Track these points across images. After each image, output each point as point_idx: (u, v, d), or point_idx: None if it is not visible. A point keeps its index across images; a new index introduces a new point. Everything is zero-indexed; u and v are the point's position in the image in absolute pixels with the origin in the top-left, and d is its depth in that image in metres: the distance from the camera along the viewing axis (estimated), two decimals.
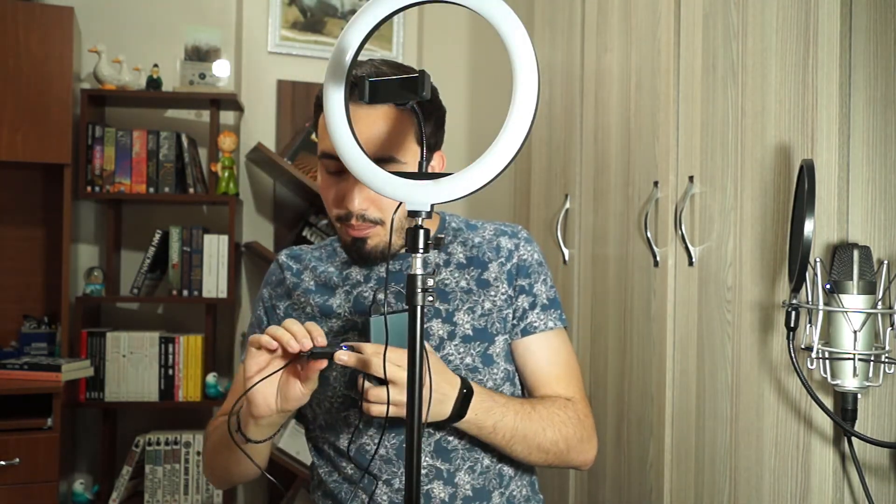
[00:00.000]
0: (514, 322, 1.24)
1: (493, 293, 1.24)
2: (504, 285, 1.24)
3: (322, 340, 1.01)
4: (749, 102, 1.36)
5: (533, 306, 1.25)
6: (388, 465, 1.18)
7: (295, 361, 1.02)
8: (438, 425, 1.15)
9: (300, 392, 1.04)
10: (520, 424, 1.14)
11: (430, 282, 0.85)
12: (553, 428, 1.17)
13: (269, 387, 1.04)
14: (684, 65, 1.60)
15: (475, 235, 1.28)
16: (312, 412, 1.28)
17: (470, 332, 1.21)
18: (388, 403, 1.02)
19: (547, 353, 1.25)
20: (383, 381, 1.01)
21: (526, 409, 1.16)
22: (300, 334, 1.00)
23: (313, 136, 2.89)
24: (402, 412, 1.01)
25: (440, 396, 1.06)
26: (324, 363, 1.01)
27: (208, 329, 2.91)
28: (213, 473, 1.28)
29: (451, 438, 1.18)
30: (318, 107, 1.20)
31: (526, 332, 1.24)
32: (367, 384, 1.03)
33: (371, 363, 1.01)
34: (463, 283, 1.23)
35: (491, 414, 1.12)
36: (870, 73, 1.15)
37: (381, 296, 1.21)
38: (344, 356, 1.01)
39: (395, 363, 1.01)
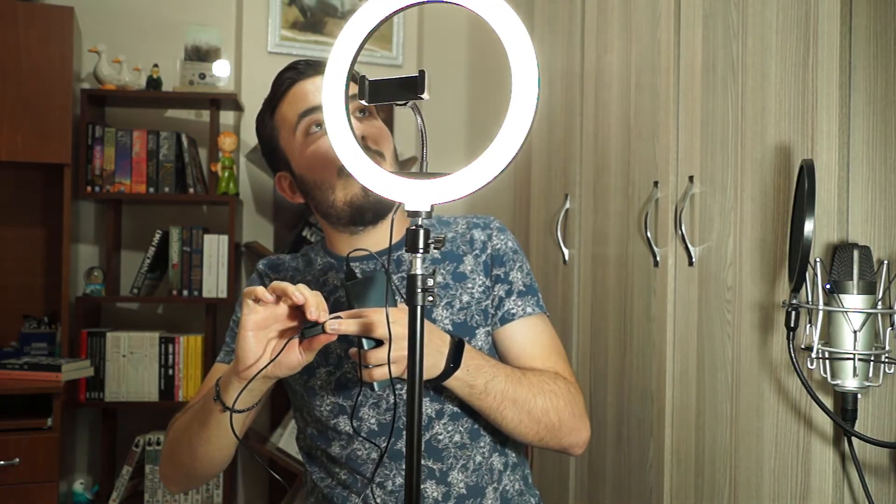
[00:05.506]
0: (493, 312, 1.23)
1: (469, 285, 1.23)
2: (481, 276, 1.24)
3: (325, 316, 0.97)
4: (749, 102, 1.36)
5: (509, 293, 1.24)
6: (381, 468, 1.18)
7: (294, 336, 1.00)
8: (434, 389, 1.15)
9: (298, 361, 1.00)
10: (510, 387, 1.12)
11: (430, 281, 0.85)
12: (543, 396, 1.15)
13: (261, 347, 1.00)
14: (684, 65, 1.60)
15: (448, 231, 1.28)
16: (303, 421, 1.28)
17: (449, 326, 1.20)
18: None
19: (529, 337, 1.23)
20: (379, 345, 1.00)
21: (517, 374, 1.15)
22: (312, 303, 0.96)
23: None
24: (401, 369, 1.00)
25: (432, 350, 1.05)
26: (333, 336, 0.99)
27: (208, 329, 2.91)
28: (172, 462, 1.19)
29: (441, 437, 1.18)
30: (279, 83, 1.25)
31: (504, 320, 1.23)
32: (365, 347, 1.00)
33: (375, 322, 0.98)
34: (439, 279, 1.22)
35: (482, 372, 1.10)
36: (870, 73, 1.15)
37: (352, 264, 1.23)
38: (343, 325, 0.98)
39: (393, 320, 0.98)
